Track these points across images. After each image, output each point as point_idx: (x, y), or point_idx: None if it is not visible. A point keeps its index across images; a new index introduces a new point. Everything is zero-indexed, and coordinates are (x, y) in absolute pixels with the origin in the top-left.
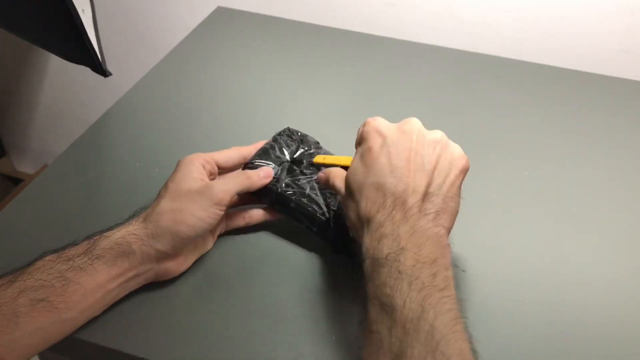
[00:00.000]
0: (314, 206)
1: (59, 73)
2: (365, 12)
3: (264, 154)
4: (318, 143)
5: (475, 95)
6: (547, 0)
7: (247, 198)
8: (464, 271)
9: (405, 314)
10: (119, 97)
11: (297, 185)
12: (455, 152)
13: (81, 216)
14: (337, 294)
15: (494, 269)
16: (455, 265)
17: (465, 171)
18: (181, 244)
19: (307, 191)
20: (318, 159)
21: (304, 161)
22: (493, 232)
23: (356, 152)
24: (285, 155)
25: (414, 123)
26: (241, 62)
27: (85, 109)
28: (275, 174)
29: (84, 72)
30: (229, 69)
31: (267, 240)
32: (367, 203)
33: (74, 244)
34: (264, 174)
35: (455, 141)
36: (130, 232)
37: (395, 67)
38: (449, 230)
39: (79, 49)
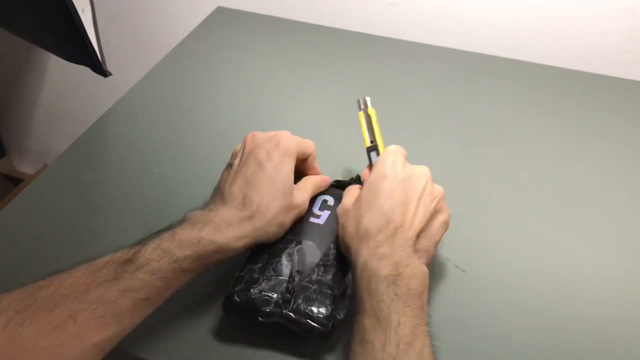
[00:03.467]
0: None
1: (59, 73)
2: (365, 12)
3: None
4: None
5: (475, 95)
6: (547, 0)
7: None
8: (463, 271)
9: (399, 333)
10: (119, 97)
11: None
12: (447, 211)
13: (81, 216)
14: None
15: (493, 268)
16: (455, 265)
17: (446, 229)
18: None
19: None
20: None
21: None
22: (493, 232)
23: (372, 172)
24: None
25: (426, 172)
26: (241, 62)
27: (85, 109)
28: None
29: (84, 72)
30: (229, 69)
31: None
32: (371, 221)
33: (177, 236)
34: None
35: (454, 141)
36: (238, 238)
37: (395, 67)
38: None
39: (79, 49)
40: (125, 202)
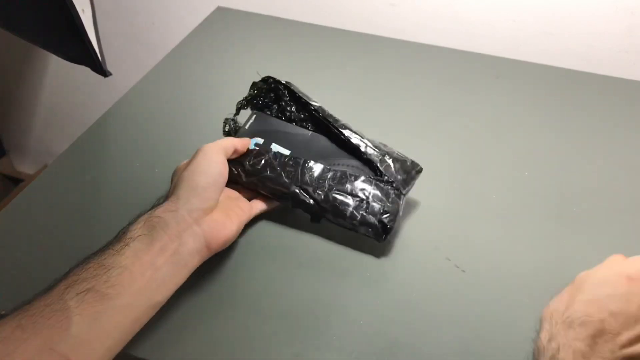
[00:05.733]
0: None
1: (59, 73)
2: (365, 12)
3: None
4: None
5: (475, 95)
6: (547, 0)
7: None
8: (463, 271)
9: None
10: (119, 97)
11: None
12: None
13: (81, 216)
14: (338, 293)
15: (493, 268)
16: (455, 265)
17: None
18: (205, 194)
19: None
20: None
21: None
22: (493, 232)
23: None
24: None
25: None
26: (241, 62)
27: (85, 109)
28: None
29: (84, 72)
30: (229, 69)
31: (267, 238)
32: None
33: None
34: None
35: (454, 141)
36: (155, 209)
37: (395, 67)
38: None
39: (79, 49)
40: (125, 202)
